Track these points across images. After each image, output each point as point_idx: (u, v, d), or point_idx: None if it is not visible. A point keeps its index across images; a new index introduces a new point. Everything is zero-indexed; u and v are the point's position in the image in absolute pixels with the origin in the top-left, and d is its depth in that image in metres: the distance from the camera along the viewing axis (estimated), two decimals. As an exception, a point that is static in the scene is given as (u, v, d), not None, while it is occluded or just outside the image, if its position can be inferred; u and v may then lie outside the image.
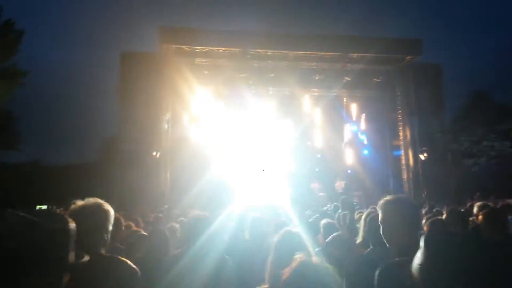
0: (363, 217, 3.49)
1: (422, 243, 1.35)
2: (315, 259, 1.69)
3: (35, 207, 15.08)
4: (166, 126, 16.93)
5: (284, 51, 16.76)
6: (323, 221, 4.88)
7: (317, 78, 18.14)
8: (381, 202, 2.17)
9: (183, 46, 16.39)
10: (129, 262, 2.14)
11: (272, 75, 17.73)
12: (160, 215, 8.86)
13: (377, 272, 2.09)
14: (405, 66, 17.97)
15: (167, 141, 16.94)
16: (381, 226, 2.15)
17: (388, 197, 2.20)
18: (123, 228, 4.14)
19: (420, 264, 1.32)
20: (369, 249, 2.73)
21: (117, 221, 3.09)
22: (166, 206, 12.29)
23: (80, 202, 2.23)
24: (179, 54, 16.72)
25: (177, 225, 5.43)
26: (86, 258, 1.30)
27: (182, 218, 5.66)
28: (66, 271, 1.11)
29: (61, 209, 7.62)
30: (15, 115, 25.19)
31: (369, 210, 4.10)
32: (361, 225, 3.45)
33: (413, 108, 17.93)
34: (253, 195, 17.54)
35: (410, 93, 18.00)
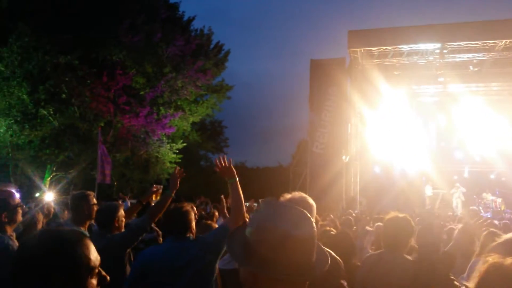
0: None
1: None
2: (510, 259, 1.48)
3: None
4: (355, 131, 16.86)
5: (492, 41, 14.59)
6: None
7: (536, 68, 15.19)
8: None
9: (372, 48, 16.07)
10: (332, 253, 2.22)
11: (476, 69, 15.66)
12: (350, 217, 8.90)
13: None
14: None
15: (357, 145, 16.84)
16: None
17: None
18: (319, 226, 4.31)
19: None
20: None
21: (315, 220, 3.25)
22: (356, 211, 12.21)
23: (287, 195, 2.43)
24: (367, 57, 16.48)
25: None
26: None
27: (379, 224, 5.52)
28: None
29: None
30: (224, 124, 29.27)
31: None
32: None
33: None
34: (455, 204, 15.81)
35: None
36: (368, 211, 12.17)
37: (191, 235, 2.73)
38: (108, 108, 17.11)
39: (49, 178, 16.70)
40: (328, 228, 5.37)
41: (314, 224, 1.03)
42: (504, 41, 14.46)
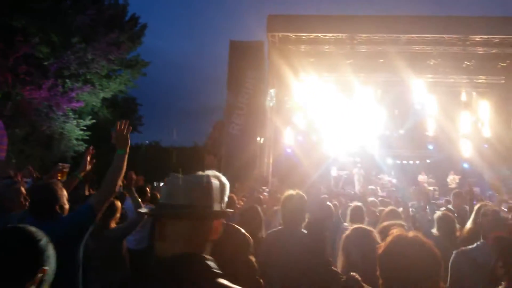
0: (476, 207, 3.33)
1: None
2: (412, 233, 1.66)
3: (154, 184, 16.77)
4: (270, 113, 17.31)
5: (395, 35, 15.82)
6: (438, 214, 4.58)
7: (432, 63, 16.83)
8: None
9: (290, 34, 16.49)
10: (243, 230, 2.30)
11: (381, 60, 16.92)
12: (261, 196, 9.22)
13: None
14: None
15: (271, 127, 17.33)
16: None
17: None
18: (237, 205, 4.41)
19: None
20: (476, 244, 2.64)
21: (231, 198, 3.32)
22: (267, 189, 12.63)
23: (200, 173, 2.43)
24: (285, 42, 16.88)
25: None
26: None
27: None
28: None
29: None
30: (138, 101, 28.09)
31: (481, 203, 3.83)
32: (472, 217, 3.30)
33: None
34: (356, 184, 17.23)
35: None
36: (279, 190, 12.68)
37: (58, 213, 2.53)
38: (5, 78, 15.43)
39: None
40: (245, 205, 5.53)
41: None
42: (406, 35, 15.76)
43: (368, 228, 2.50)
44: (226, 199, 2.43)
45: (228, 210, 1.39)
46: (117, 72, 20.77)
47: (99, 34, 17.76)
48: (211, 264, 1.21)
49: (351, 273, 2.02)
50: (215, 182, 1.38)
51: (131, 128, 2.58)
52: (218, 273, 1.20)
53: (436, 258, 1.59)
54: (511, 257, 1.83)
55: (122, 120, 2.60)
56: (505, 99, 17.38)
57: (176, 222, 1.24)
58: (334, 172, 17.84)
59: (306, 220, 3.08)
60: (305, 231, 3.00)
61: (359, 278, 1.94)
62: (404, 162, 19.21)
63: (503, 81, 17.66)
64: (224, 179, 2.44)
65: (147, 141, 33.13)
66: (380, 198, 9.03)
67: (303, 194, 3.11)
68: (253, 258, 2.25)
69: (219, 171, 2.53)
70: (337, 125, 17.85)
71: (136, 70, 21.90)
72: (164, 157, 26.59)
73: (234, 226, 2.36)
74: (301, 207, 3.01)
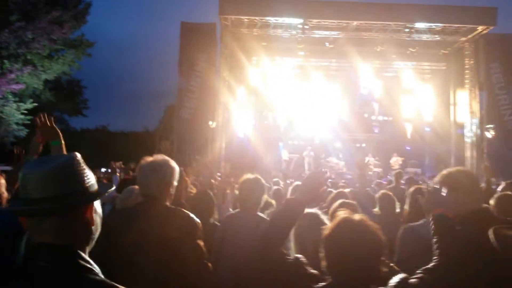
0: (410, 191, 3.48)
1: None
2: (358, 216, 1.64)
3: (100, 170, 16.21)
4: (222, 97, 17.20)
5: (345, 21, 16.15)
6: (379, 194, 4.78)
7: (378, 49, 17.42)
8: (444, 172, 2.15)
9: (242, 17, 16.34)
10: (191, 214, 2.30)
11: (331, 46, 17.27)
12: (213, 180, 9.22)
13: None
14: (477, 37, 16.70)
15: (224, 112, 17.25)
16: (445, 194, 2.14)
17: (452, 168, 2.19)
18: (189, 189, 4.38)
19: None
20: (422, 221, 2.75)
21: (183, 180, 3.28)
22: (219, 174, 12.63)
23: (149, 158, 2.39)
24: (238, 25, 16.72)
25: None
26: None
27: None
28: None
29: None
30: (83, 84, 26.86)
31: (416, 186, 4.04)
32: (408, 199, 3.45)
33: (483, 83, 16.77)
34: (307, 166, 17.66)
35: (480, 67, 16.80)
36: (231, 174, 12.73)
37: None
38: None
39: None
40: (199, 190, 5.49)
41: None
42: (355, 22, 16.12)
43: (314, 211, 2.55)
44: (175, 183, 2.43)
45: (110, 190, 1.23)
46: (60, 52, 19.69)
47: (40, 12, 16.67)
48: (82, 258, 1.09)
49: (296, 255, 2.03)
50: (79, 161, 1.15)
51: (52, 117, 2.35)
52: (86, 267, 1.07)
53: (380, 243, 1.58)
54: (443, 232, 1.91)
55: (39, 114, 2.34)
56: (446, 85, 18.40)
57: (33, 218, 1.10)
58: (285, 156, 18.17)
59: (263, 204, 3.12)
60: (261, 214, 3.04)
61: (306, 261, 1.95)
62: (352, 144, 19.91)
63: (444, 68, 18.65)
64: (173, 163, 2.42)
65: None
66: (329, 180, 9.33)
67: (260, 178, 3.14)
68: (201, 243, 2.25)
69: (171, 156, 2.50)
70: (289, 109, 18.13)
71: (81, 50, 20.87)
72: (112, 142, 25.75)
73: (182, 210, 2.35)
74: (258, 191, 3.05)
